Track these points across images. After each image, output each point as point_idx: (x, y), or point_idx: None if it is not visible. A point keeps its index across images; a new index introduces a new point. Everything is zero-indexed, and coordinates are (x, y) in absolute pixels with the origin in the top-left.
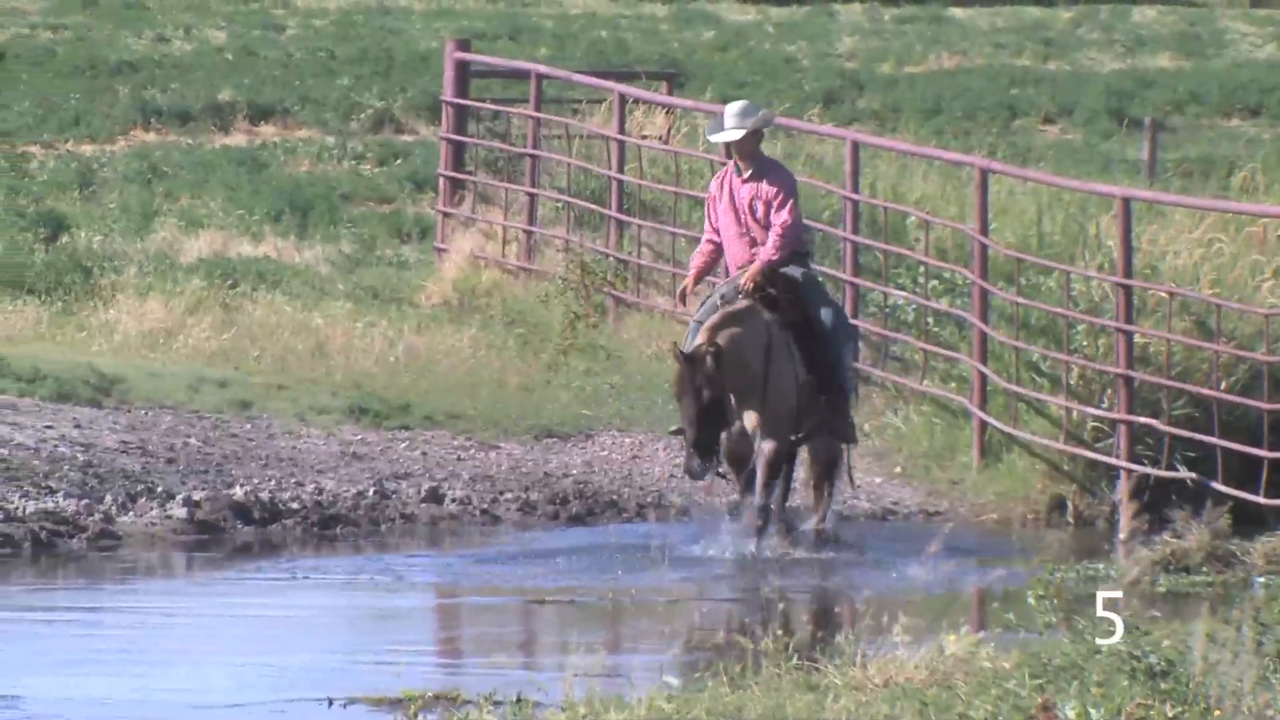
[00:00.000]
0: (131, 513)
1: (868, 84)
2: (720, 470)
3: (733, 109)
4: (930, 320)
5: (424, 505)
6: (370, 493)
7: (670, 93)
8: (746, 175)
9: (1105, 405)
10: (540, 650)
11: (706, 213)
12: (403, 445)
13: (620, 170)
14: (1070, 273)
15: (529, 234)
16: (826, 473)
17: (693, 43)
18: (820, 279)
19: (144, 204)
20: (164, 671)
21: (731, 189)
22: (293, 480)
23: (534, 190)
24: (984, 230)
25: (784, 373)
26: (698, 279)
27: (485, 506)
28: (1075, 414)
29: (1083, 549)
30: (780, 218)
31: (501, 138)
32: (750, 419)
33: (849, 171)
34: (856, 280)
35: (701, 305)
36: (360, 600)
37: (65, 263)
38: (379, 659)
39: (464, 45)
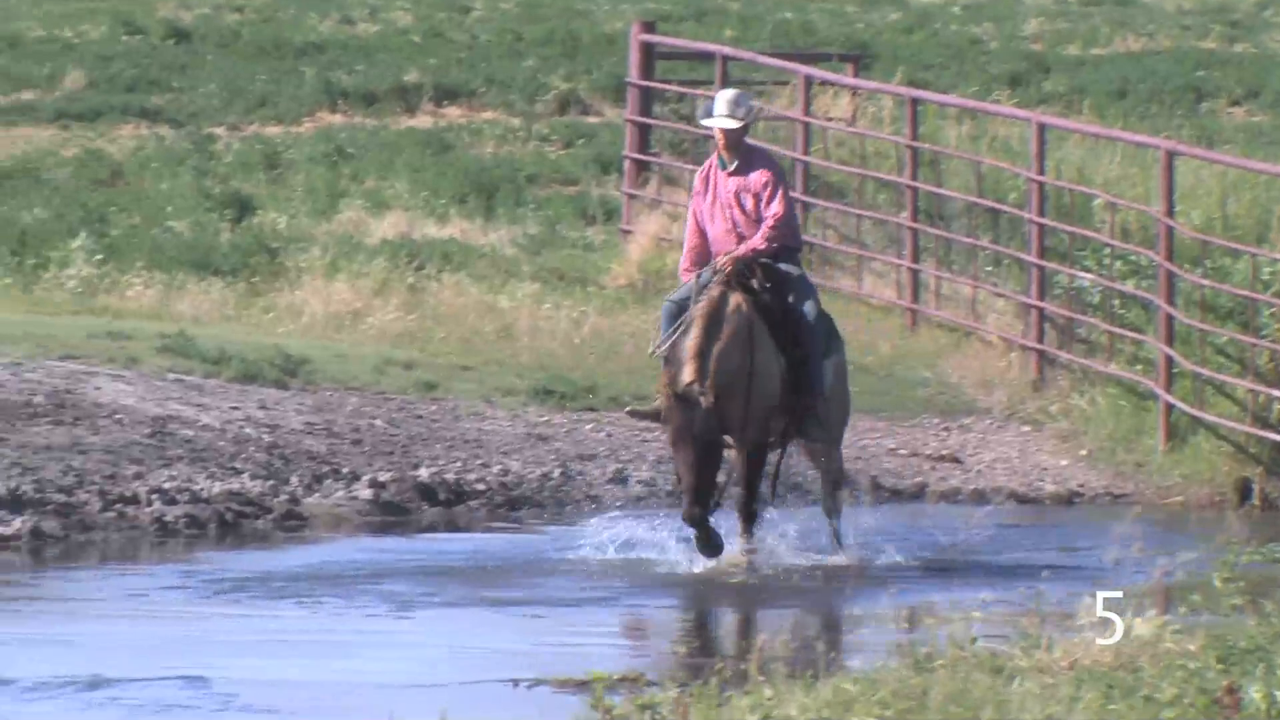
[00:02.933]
0: (317, 494)
1: (1054, 66)
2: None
3: (726, 95)
4: (1116, 302)
5: (609, 486)
6: (555, 474)
7: (856, 75)
8: (732, 168)
9: None
10: (722, 633)
11: (691, 211)
12: (588, 427)
13: (805, 152)
14: (1256, 255)
15: None
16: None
17: (879, 24)
18: (811, 282)
19: (329, 185)
20: (346, 653)
21: (715, 183)
22: (478, 462)
23: None
24: (1170, 212)
25: (769, 363)
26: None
27: (670, 489)
28: (1262, 397)
29: (1268, 532)
30: (772, 209)
31: (686, 120)
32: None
33: (1035, 154)
34: (1042, 262)
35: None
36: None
37: (251, 244)
38: (563, 641)
39: (649, 27)
